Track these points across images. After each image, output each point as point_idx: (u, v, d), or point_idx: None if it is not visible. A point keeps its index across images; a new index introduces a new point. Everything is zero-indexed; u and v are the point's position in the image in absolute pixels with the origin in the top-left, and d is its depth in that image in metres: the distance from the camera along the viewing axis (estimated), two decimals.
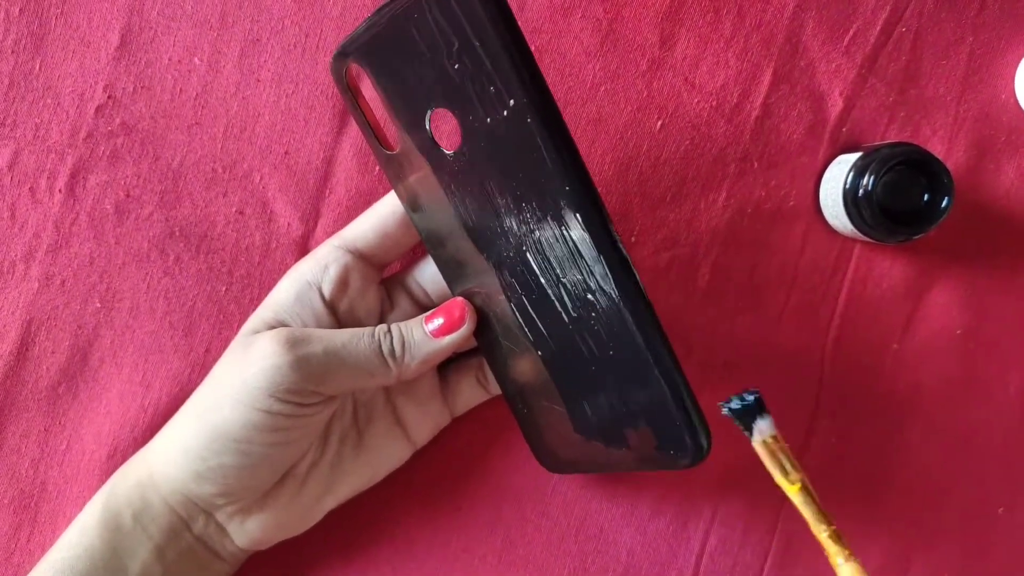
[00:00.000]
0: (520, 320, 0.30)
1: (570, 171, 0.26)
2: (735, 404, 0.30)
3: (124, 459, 0.36)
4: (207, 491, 0.31)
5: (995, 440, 0.39)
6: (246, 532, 0.32)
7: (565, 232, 0.27)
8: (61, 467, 0.36)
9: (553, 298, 0.29)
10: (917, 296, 0.39)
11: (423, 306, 0.34)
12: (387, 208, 0.33)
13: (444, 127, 0.29)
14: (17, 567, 0.36)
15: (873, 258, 0.38)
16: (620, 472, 0.30)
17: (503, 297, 0.31)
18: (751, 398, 0.29)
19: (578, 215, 0.26)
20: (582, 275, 0.27)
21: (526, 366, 0.32)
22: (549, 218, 0.27)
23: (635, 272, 0.27)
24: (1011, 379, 0.39)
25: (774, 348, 0.38)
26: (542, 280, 0.29)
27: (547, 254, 0.28)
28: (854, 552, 0.26)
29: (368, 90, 0.31)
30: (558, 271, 0.28)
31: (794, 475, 0.28)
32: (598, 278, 0.27)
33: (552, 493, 0.38)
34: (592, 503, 0.38)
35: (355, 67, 0.30)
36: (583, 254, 0.27)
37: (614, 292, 0.27)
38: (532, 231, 0.28)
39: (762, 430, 0.29)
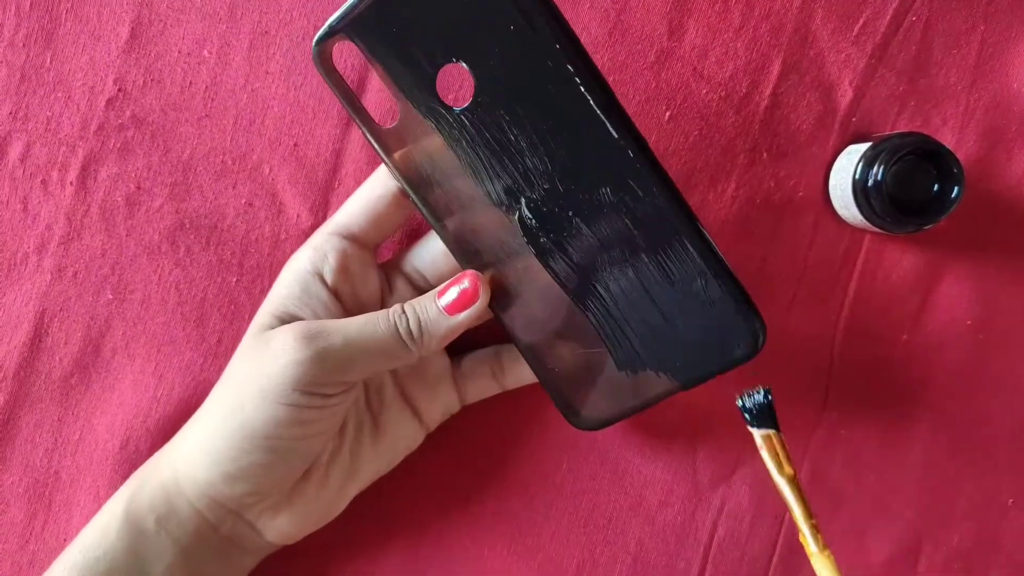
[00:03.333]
0: (552, 267, 0.31)
1: (591, 78, 0.28)
2: (749, 402, 0.31)
3: (137, 449, 0.36)
4: (238, 491, 0.31)
5: (1005, 431, 0.39)
6: (276, 528, 0.32)
7: (595, 145, 0.29)
8: (74, 457, 0.36)
9: (589, 226, 0.30)
10: (927, 287, 0.39)
11: (420, 288, 0.34)
12: (376, 189, 0.33)
13: (451, 86, 0.29)
14: (32, 555, 0.36)
15: (883, 249, 0.38)
16: (665, 400, 0.32)
17: (530, 251, 0.31)
18: (764, 399, 0.31)
19: (604, 115, 0.28)
20: (616, 185, 0.29)
21: (559, 319, 0.32)
22: (575, 138, 0.29)
23: (664, 169, 0.29)
24: (1021, 370, 0.39)
25: (783, 339, 0.38)
26: (576, 209, 0.30)
27: (577, 176, 0.29)
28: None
29: (348, 70, 0.32)
30: (591, 191, 0.29)
31: (788, 469, 0.29)
32: (633, 182, 0.29)
33: (560, 484, 0.38)
34: (600, 495, 0.38)
35: (335, 48, 0.31)
36: (614, 162, 0.29)
37: (654, 191, 0.29)
38: (558, 159, 0.29)
39: (767, 427, 0.31)
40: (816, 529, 0.28)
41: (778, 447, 0.30)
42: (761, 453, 0.30)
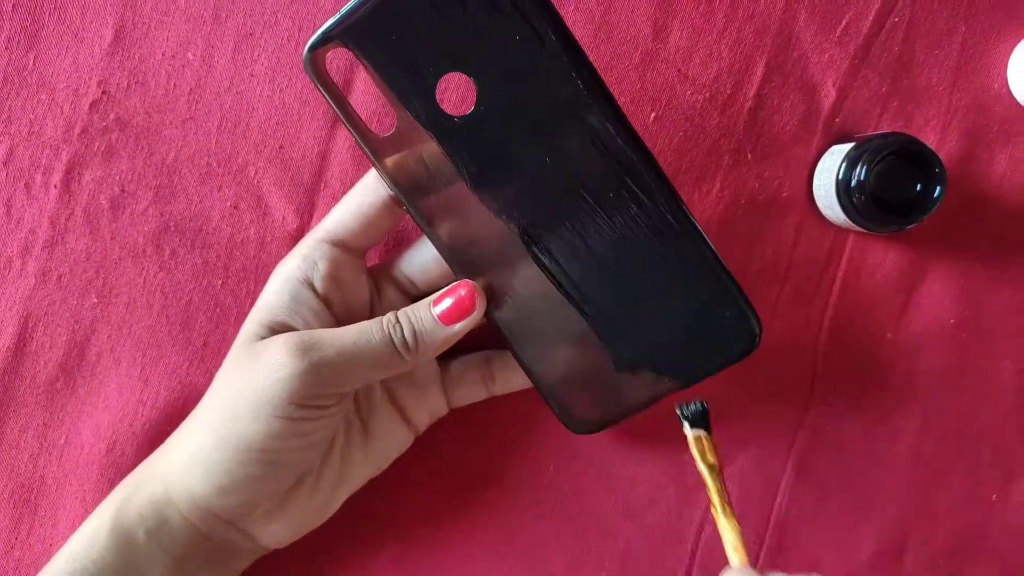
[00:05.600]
0: (552, 272, 0.31)
1: (596, 86, 0.29)
2: (687, 410, 0.32)
3: (123, 453, 0.36)
4: (232, 503, 0.31)
5: (988, 428, 0.39)
6: (269, 534, 0.32)
7: (599, 152, 0.29)
8: (60, 461, 0.36)
9: (589, 231, 0.30)
10: (911, 286, 0.39)
11: (409, 294, 0.34)
12: (366, 196, 0.32)
13: (449, 95, 0.30)
14: (18, 561, 0.36)
15: (866, 248, 0.39)
16: (661, 401, 0.33)
17: (529, 258, 0.31)
18: (699, 407, 0.32)
19: (610, 125, 0.29)
20: (618, 190, 0.30)
21: (557, 323, 0.32)
22: (579, 143, 0.29)
23: (665, 174, 0.30)
24: (1004, 368, 0.39)
25: (768, 339, 0.38)
26: (577, 215, 0.30)
27: (579, 182, 0.30)
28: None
29: (332, 75, 0.31)
30: (593, 197, 0.30)
31: (710, 459, 0.31)
32: (636, 187, 0.30)
33: (549, 485, 0.38)
34: (588, 495, 0.38)
35: (328, 55, 0.30)
36: (617, 168, 0.29)
37: (656, 196, 0.30)
38: (560, 166, 0.30)
39: (700, 428, 0.32)
40: (727, 504, 0.30)
41: (706, 445, 0.32)
42: (690, 446, 0.32)
